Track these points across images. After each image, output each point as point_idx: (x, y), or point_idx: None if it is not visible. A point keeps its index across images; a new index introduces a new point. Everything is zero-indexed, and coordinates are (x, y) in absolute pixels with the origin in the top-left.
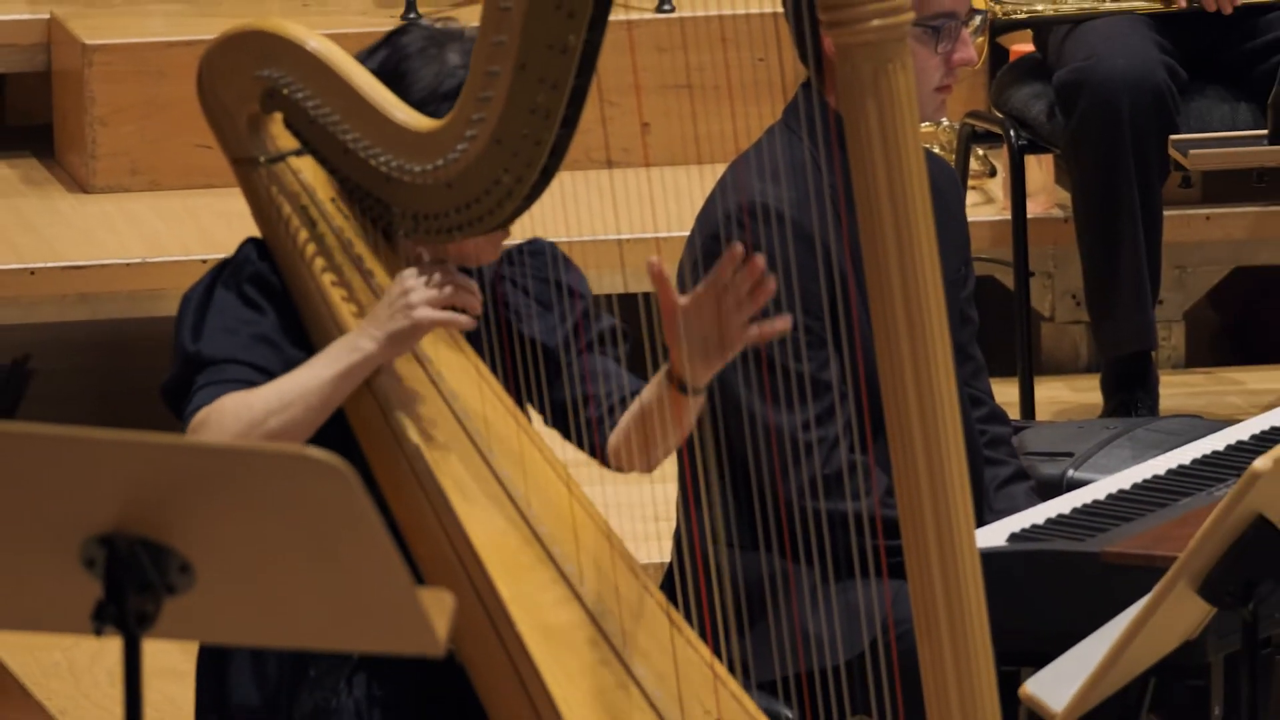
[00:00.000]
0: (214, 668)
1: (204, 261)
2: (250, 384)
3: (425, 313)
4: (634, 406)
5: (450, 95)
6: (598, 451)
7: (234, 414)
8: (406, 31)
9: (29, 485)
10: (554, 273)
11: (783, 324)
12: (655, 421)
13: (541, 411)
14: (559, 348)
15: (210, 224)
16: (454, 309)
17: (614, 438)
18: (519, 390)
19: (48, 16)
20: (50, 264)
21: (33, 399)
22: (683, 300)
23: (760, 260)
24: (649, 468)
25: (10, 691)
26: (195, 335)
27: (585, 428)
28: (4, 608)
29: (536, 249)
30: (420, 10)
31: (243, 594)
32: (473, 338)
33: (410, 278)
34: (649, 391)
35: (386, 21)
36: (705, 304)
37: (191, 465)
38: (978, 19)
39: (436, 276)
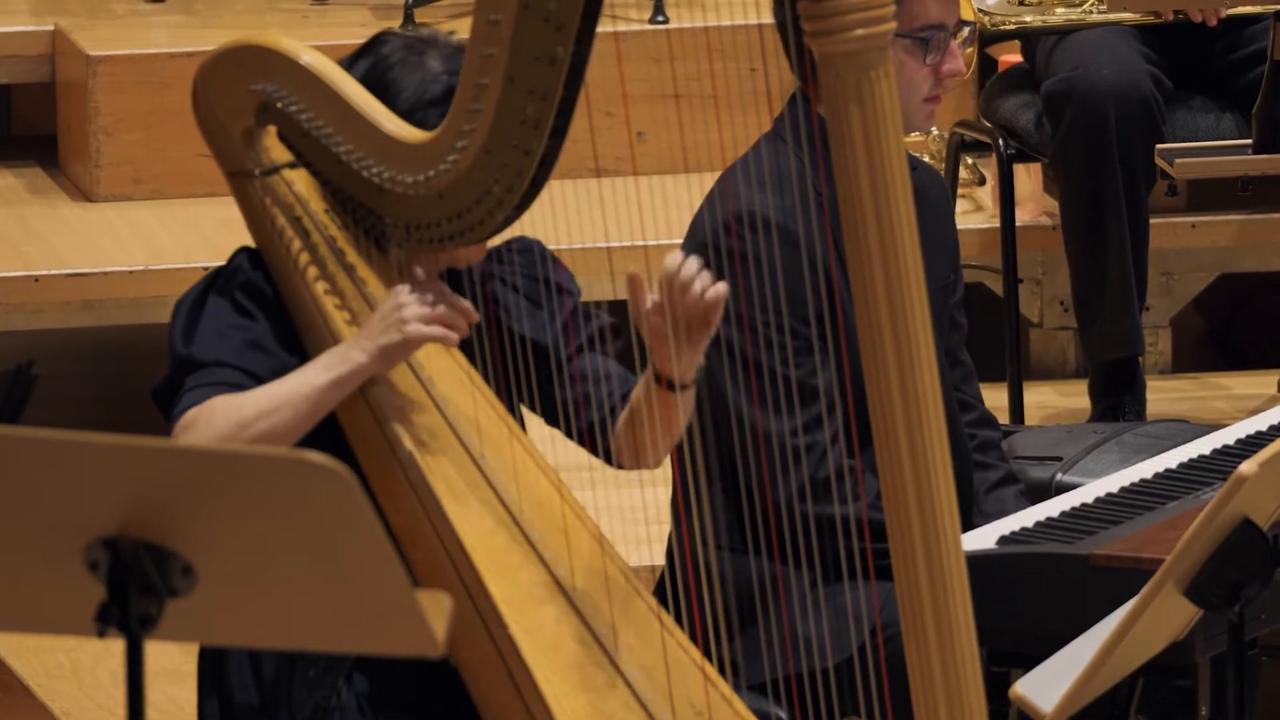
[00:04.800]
0: (214, 669)
1: (206, 268)
2: (239, 387)
3: (416, 329)
4: (626, 409)
5: (436, 102)
6: (601, 454)
7: (223, 414)
8: (385, 41)
9: (33, 489)
10: (542, 270)
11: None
12: (646, 422)
13: (533, 409)
14: (550, 346)
15: (212, 231)
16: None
17: (615, 439)
18: (512, 388)
19: (52, 28)
20: (55, 271)
21: (37, 404)
22: (651, 299)
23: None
24: (651, 465)
25: (14, 692)
26: (187, 339)
27: (587, 432)
28: (8, 610)
29: (524, 246)
30: (418, 22)
31: (244, 596)
32: (465, 338)
33: (404, 293)
34: (638, 392)
35: None
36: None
37: (194, 469)
38: (966, 30)
39: (429, 294)
